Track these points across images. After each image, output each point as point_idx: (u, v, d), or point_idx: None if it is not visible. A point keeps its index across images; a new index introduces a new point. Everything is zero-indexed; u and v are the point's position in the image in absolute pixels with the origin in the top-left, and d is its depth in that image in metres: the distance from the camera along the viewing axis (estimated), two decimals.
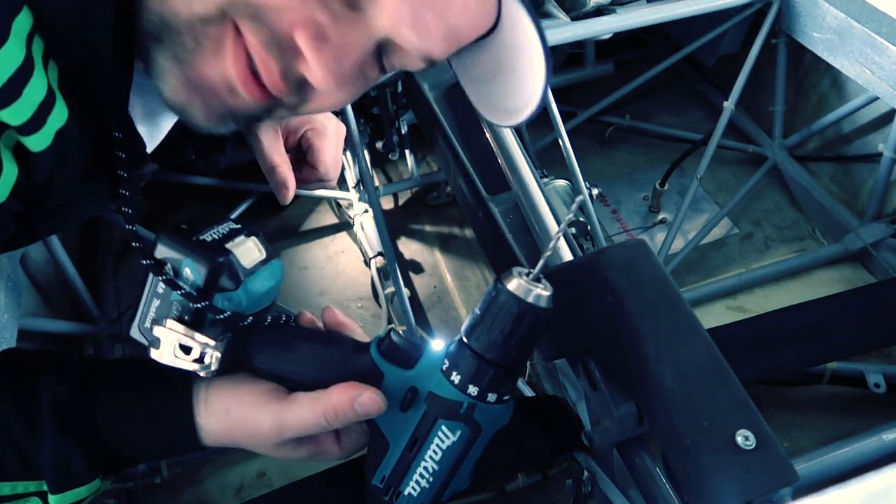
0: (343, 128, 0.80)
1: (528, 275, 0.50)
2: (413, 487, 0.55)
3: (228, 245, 0.56)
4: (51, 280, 1.08)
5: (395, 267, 1.11)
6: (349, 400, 0.53)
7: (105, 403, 0.55)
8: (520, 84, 0.54)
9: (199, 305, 0.53)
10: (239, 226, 0.59)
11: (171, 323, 0.54)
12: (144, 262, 0.54)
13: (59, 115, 0.47)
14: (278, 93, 0.49)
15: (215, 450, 0.98)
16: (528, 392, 0.92)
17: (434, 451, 0.54)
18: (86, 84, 0.48)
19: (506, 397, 0.54)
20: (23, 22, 0.43)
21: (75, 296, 1.08)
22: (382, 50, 0.50)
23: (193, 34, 0.46)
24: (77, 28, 0.46)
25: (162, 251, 0.55)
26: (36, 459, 0.51)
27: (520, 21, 0.51)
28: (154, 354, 0.55)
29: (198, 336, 0.54)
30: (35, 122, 0.45)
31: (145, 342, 0.56)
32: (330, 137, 0.77)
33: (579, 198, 0.52)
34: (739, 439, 0.50)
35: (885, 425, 0.81)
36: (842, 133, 1.37)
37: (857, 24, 1.13)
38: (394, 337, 0.55)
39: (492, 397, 0.52)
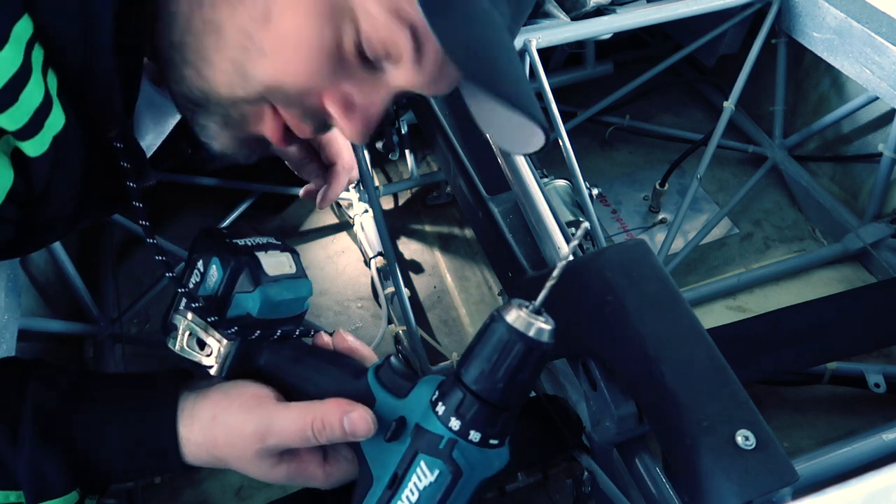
0: None
1: (527, 307, 0.47)
2: None
3: (258, 253, 0.58)
4: (51, 280, 1.08)
5: (395, 267, 1.11)
6: (339, 414, 0.51)
7: (87, 412, 0.53)
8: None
9: (210, 319, 0.55)
10: (279, 243, 0.61)
11: (190, 314, 0.57)
12: (168, 274, 0.55)
13: (56, 121, 0.47)
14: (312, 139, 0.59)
15: None
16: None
17: (411, 491, 0.49)
18: (85, 95, 0.48)
19: (493, 441, 0.49)
20: (23, 28, 0.43)
21: (75, 296, 1.08)
22: None
23: (237, 109, 0.52)
24: (77, 46, 0.46)
25: (196, 248, 0.59)
26: (13, 468, 0.50)
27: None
28: (170, 343, 0.58)
29: (212, 332, 0.56)
30: (31, 127, 0.45)
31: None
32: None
33: (584, 224, 0.50)
34: (739, 439, 0.50)
35: (885, 425, 0.81)
36: (842, 133, 1.37)
37: (857, 24, 1.13)
38: (393, 362, 0.54)
39: (475, 436, 0.48)
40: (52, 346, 1.06)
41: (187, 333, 0.57)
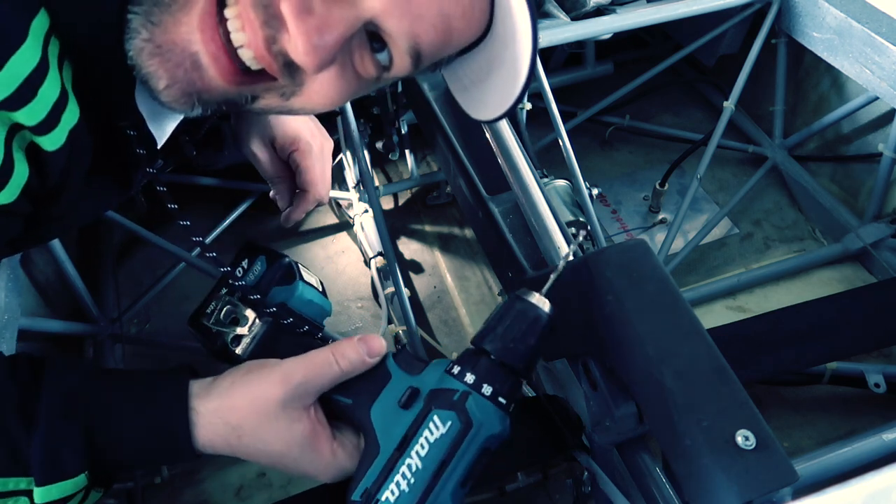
0: (330, 144, 0.82)
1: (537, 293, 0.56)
2: (392, 491, 0.53)
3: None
4: (51, 280, 1.08)
5: (395, 267, 1.11)
6: (353, 340, 0.56)
7: (101, 393, 0.54)
8: (510, 74, 0.54)
9: (253, 297, 0.65)
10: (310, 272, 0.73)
11: (227, 296, 0.67)
12: (208, 254, 0.62)
13: (72, 115, 0.47)
14: (267, 65, 0.47)
15: None
16: (529, 392, 0.92)
17: (422, 445, 0.53)
18: (98, 83, 0.49)
19: (501, 399, 0.55)
20: (40, 23, 0.43)
21: (75, 296, 1.08)
22: (374, 40, 0.50)
23: None
24: (88, 35, 0.46)
25: (243, 250, 0.71)
26: (26, 452, 0.50)
27: (511, 9, 0.51)
28: (204, 320, 0.67)
29: (248, 310, 0.65)
30: (49, 122, 0.45)
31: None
32: (315, 156, 0.78)
33: (582, 232, 0.58)
34: (739, 439, 0.50)
35: (885, 425, 0.81)
36: (842, 133, 1.37)
37: (856, 24, 1.13)
38: (409, 348, 0.61)
39: (487, 389, 0.54)
40: (52, 346, 1.06)
41: (225, 309, 0.66)
